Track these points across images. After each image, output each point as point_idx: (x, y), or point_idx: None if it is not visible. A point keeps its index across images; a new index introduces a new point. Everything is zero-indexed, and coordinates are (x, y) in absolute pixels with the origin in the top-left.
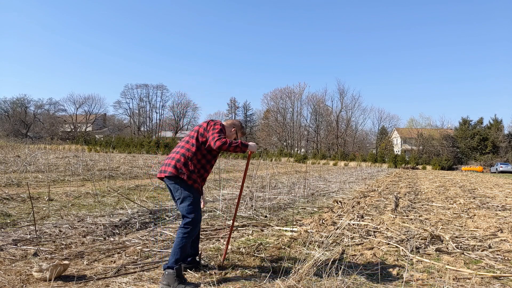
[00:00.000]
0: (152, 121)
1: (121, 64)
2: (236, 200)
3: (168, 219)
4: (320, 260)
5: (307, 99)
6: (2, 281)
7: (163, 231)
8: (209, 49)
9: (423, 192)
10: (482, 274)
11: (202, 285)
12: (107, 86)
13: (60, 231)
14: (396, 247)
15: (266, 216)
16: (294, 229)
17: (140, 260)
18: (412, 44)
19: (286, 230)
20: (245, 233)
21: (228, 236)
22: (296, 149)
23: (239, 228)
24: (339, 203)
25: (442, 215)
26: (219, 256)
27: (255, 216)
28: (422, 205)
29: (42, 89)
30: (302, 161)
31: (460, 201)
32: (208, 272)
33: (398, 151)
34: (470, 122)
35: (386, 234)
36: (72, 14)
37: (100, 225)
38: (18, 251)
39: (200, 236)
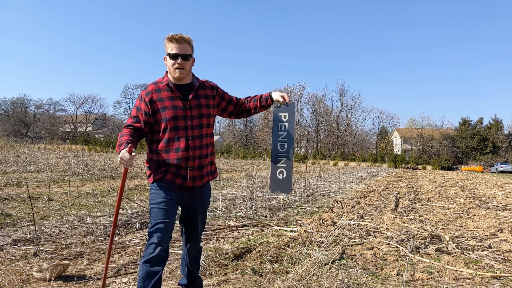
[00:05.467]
0: None
1: (121, 64)
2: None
3: None
4: (320, 260)
5: (307, 99)
6: (2, 281)
7: None
8: (208, 49)
9: (423, 192)
10: (482, 274)
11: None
12: (107, 86)
13: (60, 231)
14: (396, 247)
15: (266, 216)
16: (294, 229)
17: (140, 260)
18: (412, 44)
19: (286, 230)
20: (245, 233)
21: (108, 254)
22: (296, 149)
23: (239, 228)
24: (339, 203)
25: (442, 215)
26: (218, 257)
27: (255, 216)
28: (422, 205)
29: (42, 89)
30: (302, 161)
31: (460, 201)
32: (208, 272)
33: (398, 151)
34: (470, 122)
35: (386, 234)
36: (72, 14)
37: (100, 225)
38: (18, 251)
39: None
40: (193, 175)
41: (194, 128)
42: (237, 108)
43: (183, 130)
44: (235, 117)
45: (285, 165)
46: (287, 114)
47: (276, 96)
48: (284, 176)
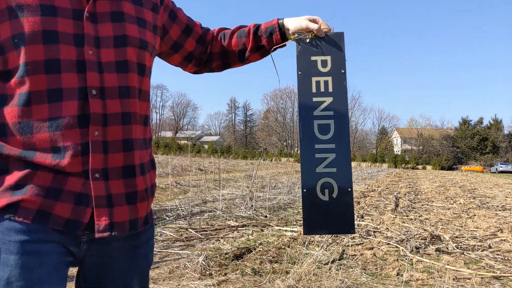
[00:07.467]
0: (152, 121)
1: None
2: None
3: (168, 219)
4: (320, 260)
5: None
6: None
7: (163, 231)
8: None
9: (423, 192)
10: (482, 274)
11: (202, 285)
12: None
13: None
14: (396, 247)
15: (266, 216)
16: (294, 229)
17: None
18: (412, 44)
19: (286, 230)
20: (245, 233)
21: None
22: (296, 149)
23: (239, 228)
24: None
25: (442, 215)
26: (218, 257)
27: (255, 216)
28: (422, 205)
29: None
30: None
31: (460, 201)
32: (208, 272)
33: (398, 151)
34: (470, 122)
35: (386, 234)
36: None
37: None
38: None
39: (201, 236)
40: (109, 193)
41: (105, 69)
42: (202, 47)
43: (72, 71)
44: (196, 69)
45: (334, 169)
46: (328, 59)
47: (298, 23)
48: (335, 195)
